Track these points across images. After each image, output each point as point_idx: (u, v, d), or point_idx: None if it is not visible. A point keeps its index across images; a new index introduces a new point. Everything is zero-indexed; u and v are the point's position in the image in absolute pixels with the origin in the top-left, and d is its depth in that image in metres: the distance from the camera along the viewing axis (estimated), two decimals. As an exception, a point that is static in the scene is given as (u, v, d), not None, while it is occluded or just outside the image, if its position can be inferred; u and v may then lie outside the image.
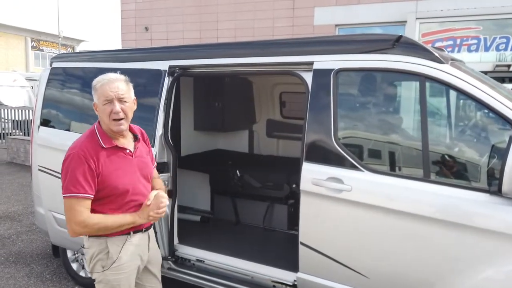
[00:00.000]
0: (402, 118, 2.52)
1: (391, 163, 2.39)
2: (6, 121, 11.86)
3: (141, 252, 2.09)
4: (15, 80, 15.40)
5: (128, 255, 2.00)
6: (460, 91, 2.18)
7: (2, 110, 12.04)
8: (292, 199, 3.66)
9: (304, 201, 2.50)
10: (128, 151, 2.01)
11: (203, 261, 3.07)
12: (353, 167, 2.35)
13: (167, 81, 3.04)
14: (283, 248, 3.32)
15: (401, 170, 2.34)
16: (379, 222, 2.27)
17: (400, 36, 2.36)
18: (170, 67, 3.04)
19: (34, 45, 27.44)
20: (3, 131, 11.59)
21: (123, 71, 3.30)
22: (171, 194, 3.09)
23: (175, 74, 3.08)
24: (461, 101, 2.50)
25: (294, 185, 3.52)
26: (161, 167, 3.08)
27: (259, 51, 2.78)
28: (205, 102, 4.41)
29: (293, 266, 2.63)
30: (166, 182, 3.11)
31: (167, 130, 3.10)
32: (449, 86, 2.20)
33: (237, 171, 3.76)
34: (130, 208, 1.98)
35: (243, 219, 3.87)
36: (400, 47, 2.33)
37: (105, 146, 1.91)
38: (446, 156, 2.27)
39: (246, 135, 4.71)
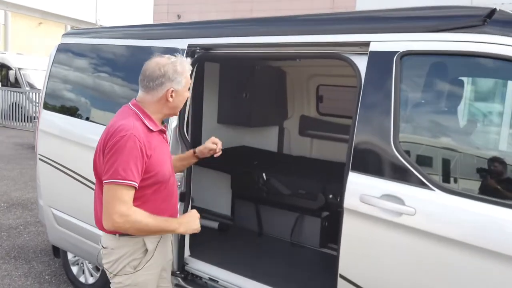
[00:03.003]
0: (491, 121, 1.89)
1: (474, 181, 1.76)
2: (38, 104, 11.86)
3: (167, 251, 1.97)
4: (49, 65, 15.50)
5: (160, 252, 1.87)
6: None
7: (34, 93, 12.06)
8: (327, 211, 3.08)
9: (347, 222, 1.93)
10: (165, 136, 1.88)
11: (217, 281, 2.56)
12: (419, 183, 1.74)
13: (185, 62, 2.52)
14: (314, 271, 2.76)
15: (488, 193, 1.71)
16: (452, 260, 1.66)
17: (494, 10, 1.73)
18: (189, 46, 2.54)
19: (72, 32, 27.91)
20: (35, 114, 11.57)
21: (136, 49, 2.85)
22: (184, 197, 2.60)
23: (196, 55, 2.57)
24: None
25: (331, 196, 2.94)
26: (175, 165, 2.60)
27: (298, 28, 2.22)
28: (232, 92, 3.90)
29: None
30: (179, 183, 2.62)
31: (183, 122, 2.61)
32: None
33: (263, 173, 3.22)
34: (169, 203, 1.85)
35: (267, 230, 3.32)
36: (494, 24, 1.70)
37: (154, 130, 1.76)
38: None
39: (275, 132, 4.15)
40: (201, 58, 2.61)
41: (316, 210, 3.06)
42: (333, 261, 1.98)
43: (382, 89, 1.88)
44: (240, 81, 3.85)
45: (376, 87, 1.91)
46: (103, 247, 1.84)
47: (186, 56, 2.58)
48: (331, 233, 3.17)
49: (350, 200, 1.91)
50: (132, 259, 1.79)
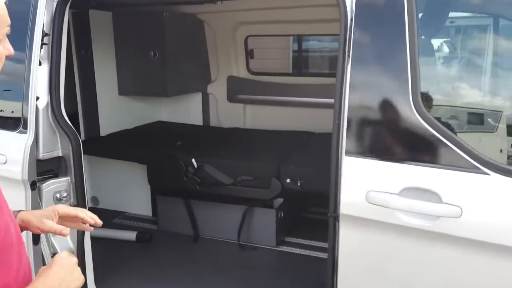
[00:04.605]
0: None
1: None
2: None
3: None
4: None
5: None
6: None
7: None
8: (280, 197, 2.39)
9: (347, 237, 1.24)
10: None
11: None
12: (464, 165, 1.10)
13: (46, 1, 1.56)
14: (278, 281, 2.08)
15: None
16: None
17: None
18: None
19: None
20: None
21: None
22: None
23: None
24: None
25: (288, 180, 2.22)
26: (54, 166, 1.77)
27: None
28: (135, 52, 2.99)
29: None
30: (66, 194, 1.72)
31: (59, 97, 1.68)
32: None
33: (193, 159, 2.38)
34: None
35: (204, 232, 2.53)
36: None
37: None
38: None
39: (198, 100, 3.47)
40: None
41: (270, 200, 2.35)
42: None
43: (387, 23, 1.17)
44: (143, 36, 2.93)
45: (377, 20, 1.18)
46: None
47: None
48: (288, 225, 2.53)
49: (350, 201, 1.21)
50: None
